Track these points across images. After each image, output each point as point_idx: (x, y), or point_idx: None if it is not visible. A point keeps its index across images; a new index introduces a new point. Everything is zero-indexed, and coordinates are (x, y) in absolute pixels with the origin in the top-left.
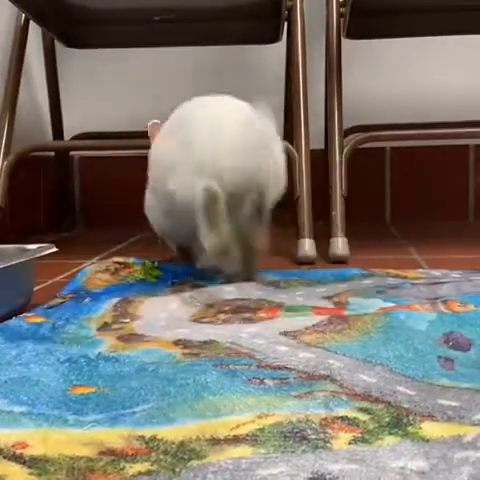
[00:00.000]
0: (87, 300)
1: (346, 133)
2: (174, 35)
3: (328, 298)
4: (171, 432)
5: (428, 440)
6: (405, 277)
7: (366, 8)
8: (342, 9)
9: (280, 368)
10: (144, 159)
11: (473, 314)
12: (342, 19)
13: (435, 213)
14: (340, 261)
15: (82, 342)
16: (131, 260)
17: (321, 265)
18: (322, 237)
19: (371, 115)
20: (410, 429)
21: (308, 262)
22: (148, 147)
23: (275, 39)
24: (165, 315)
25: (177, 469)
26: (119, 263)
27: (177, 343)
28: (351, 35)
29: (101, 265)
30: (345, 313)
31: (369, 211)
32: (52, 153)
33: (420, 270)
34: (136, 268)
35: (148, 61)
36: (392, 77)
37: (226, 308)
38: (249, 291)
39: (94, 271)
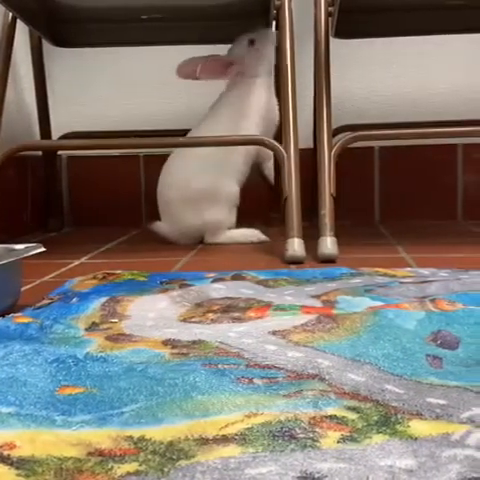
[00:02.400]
0: (75, 300)
1: (334, 133)
2: (162, 34)
3: (317, 297)
4: (160, 432)
5: (416, 438)
6: (394, 276)
7: (354, 7)
8: (330, 8)
9: (269, 367)
10: (132, 158)
11: (461, 313)
12: (330, 18)
13: (423, 212)
14: (329, 260)
15: (70, 342)
16: (119, 271)
17: (310, 264)
18: (311, 236)
19: (359, 115)
20: (398, 428)
21: (297, 261)
22: (136, 146)
23: None
24: (154, 315)
25: (166, 469)
26: (107, 273)
27: (166, 343)
28: (339, 34)
29: (89, 275)
30: (334, 312)
31: (358, 210)
32: (40, 152)
33: (409, 269)
34: (124, 273)
35: (136, 60)
36: (380, 76)
37: (215, 307)
38: (238, 290)
39: (82, 279)
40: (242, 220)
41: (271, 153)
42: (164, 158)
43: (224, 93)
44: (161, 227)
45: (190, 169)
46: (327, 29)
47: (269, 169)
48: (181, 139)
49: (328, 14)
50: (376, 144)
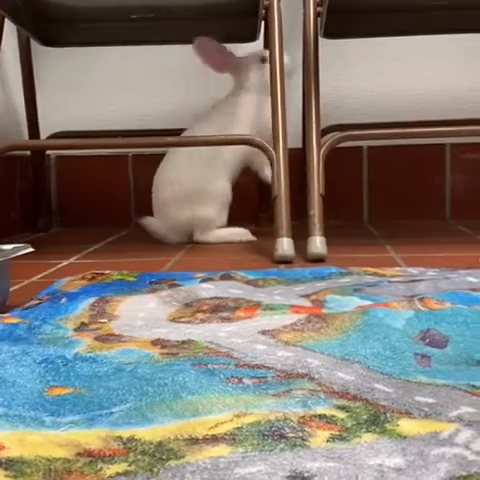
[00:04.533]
0: (64, 300)
1: (323, 132)
2: (151, 33)
3: (306, 296)
4: (149, 432)
5: (405, 437)
6: (383, 275)
7: (343, 7)
8: (319, 8)
9: (258, 367)
10: (121, 158)
11: (449, 311)
12: (319, 18)
13: (412, 211)
14: (318, 260)
15: (59, 343)
16: (108, 271)
17: (299, 264)
18: (300, 236)
19: (348, 114)
20: (388, 426)
21: (286, 261)
22: (125, 146)
23: (252, 38)
24: (143, 315)
25: (155, 469)
26: (96, 273)
27: (155, 343)
28: (328, 34)
29: (78, 275)
30: (323, 311)
31: (347, 210)
32: (28, 152)
33: (397, 268)
34: (113, 273)
35: (126, 60)
36: (369, 76)
37: (204, 307)
38: (227, 290)
39: (71, 279)
40: (231, 219)
41: (266, 160)
42: (153, 158)
43: (221, 100)
44: (151, 222)
45: (182, 167)
46: (316, 29)
47: (266, 177)
48: (169, 139)
49: (317, 14)
50: (365, 144)
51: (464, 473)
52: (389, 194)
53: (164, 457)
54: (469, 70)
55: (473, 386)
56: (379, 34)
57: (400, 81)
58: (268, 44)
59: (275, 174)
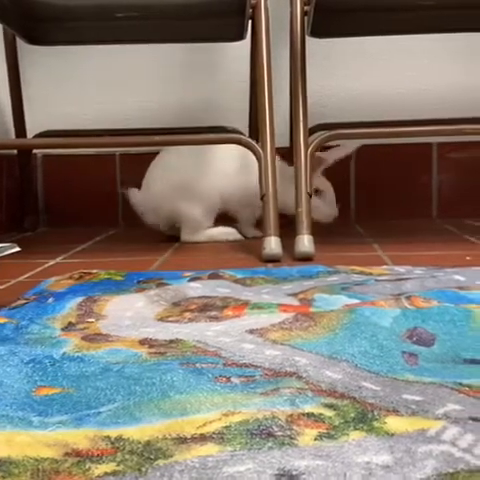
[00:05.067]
0: (51, 300)
1: (311, 131)
2: (137, 32)
3: (294, 295)
4: (137, 432)
5: (393, 434)
6: (370, 274)
7: (330, 6)
8: (306, 7)
9: (246, 366)
10: (108, 157)
11: (436, 310)
12: (306, 17)
13: (399, 210)
14: (306, 258)
15: (46, 342)
16: (95, 271)
17: (287, 263)
18: (288, 235)
19: (335, 113)
20: (375, 424)
21: (274, 259)
22: (112, 145)
23: (240, 37)
24: (131, 314)
25: (143, 469)
26: (83, 273)
27: (143, 342)
28: (315, 33)
29: (65, 275)
30: (311, 310)
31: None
32: (15, 151)
33: (384, 267)
34: (101, 273)
35: (112, 59)
36: (356, 75)
37: (192, 306)
38: (215, 289)
39: (58, 279)
40: (218, 218)
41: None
42: (140, 157)
43: None
44: (136, 195)
45: (178, 163)
46: (303, 28)
47: (246, 233)
48: (157, 138)
49: (304, 13)
50: (352, 142)
51: (451, 470)
52: (376, 193)
53: (152, 456)
54: (453, 70)
55: (460, 384)
56: (365, 33)
57: (386, 80)
58: (255, 43)
59: (262, 173)
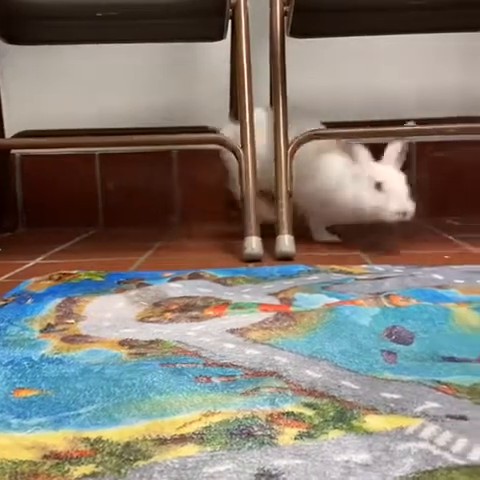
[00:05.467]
0: (30, 301)
1: None
2: (117, 32)
3: (274, 295)
4: (117, 433)
5: (372, 433)
6: (349, 273)
7: (309, 7)
8: (286, 8)
9: (227, 366)
10: (87, 157)
11: (415, 308)
12: (286, 17)
13: None
14: (286, 258)
15: (25, 344)
16: (75, 272)
17: (268, 262)
18: (269, 234)
19: (317, 113)
20: (354, 423)
21: (255, 259)
22: (92, 145)
23: (220, 37)
24: (111, 315)
25: (123, 470)
26: (63, 273)
27: (123, 343)
28: (295, 33)
29: (44, 276)
30: (291, 309)
31: None
32: None
33: (364, 266)
34: (81, 274)
35: (92, 58)
36: (335, 75)
37: (173, 307)
38: (196, 289)
39: (37, 280)
40: (200, 218)
41: None
42: (120, 157)
43: None
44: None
45: None
46: (282, 28)
47: None
48: (135, 138)
49: (284, 13)
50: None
51: (429, 468)
52: None
53: (132, 458)
54: (435, 69)
55: (438, 382)
56: (345, 34)
57: (365, 80)
58: (235, 43)
59: (243, 173)
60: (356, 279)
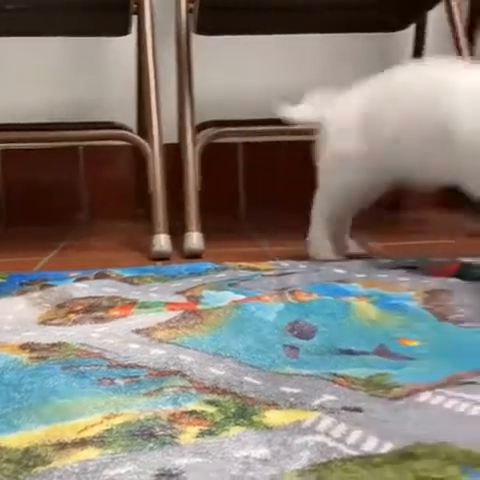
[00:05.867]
0: None
1: (200, 128)
2: (27, 25)
3: (182, 293)
4: (15, 439)
5: (272, 428)
6: (256, 269)
7: (215, 4)
8: (191, 4)
9: (131, 366)
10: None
11: (317, 303)
12: (191, 14)
13: (287, 206)
14: (195, 256)
15: None
16: None
17: (176, 260)
18: (178, 232)
19: (223, 111)
20: (255, 418)
21: (163, 257)
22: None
23: (124, 32)
24: (11, 318)
25: (21, 477)
26: None
27: (24, 347)
28: (201, 30)
29: None
30: (198, 307)
31: (223, 205)
32: None
33: (270, 262)
34: None
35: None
36: (243, 73)
37: (77, 308)
38: (101, 289)
39: None
40: (108, 215)
41: None
42: (24, 153)
43: None
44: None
45: None
46: (188, 25)
47: None
48: (36, 134)
49: (189, 10)
50: (240, 140)
51: (324, 460)
52: (265, 189)
53: (31, 464)
54: (335, 68)
55: (334, 374)
56: (252, 31)
57: (272, 78)
58: (139, 39)
59: (150, 170)
60: (263, 275)
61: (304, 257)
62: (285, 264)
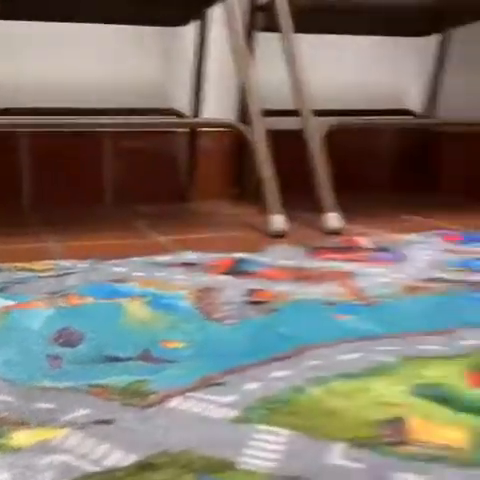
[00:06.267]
0: None
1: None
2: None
3: None
4: None
5: (18, 450)
6: (32, 270)
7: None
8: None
9: None
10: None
11: (89, 306)
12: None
13: (75, 197)
14: None
15: None
16: None
17: None
18: None
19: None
20: (2, 441)
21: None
22: None
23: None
24: None
25: None
26: None
27: None
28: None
29: None
30: None
31: (4, 197)
32: None
33: (50, 261)
34: None
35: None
36: (40, 60)
37: None
38: None
39: None
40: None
41: None
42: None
43: None
44: None
45: None
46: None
47: None
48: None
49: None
50: (20, 130)
51: (66, 479)
52: (52, 181)
53: None
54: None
55: (90, 385)
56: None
57: (69, 67)
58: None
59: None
60: (39, 277)
61: (91, 253)
62: (66, 263)
